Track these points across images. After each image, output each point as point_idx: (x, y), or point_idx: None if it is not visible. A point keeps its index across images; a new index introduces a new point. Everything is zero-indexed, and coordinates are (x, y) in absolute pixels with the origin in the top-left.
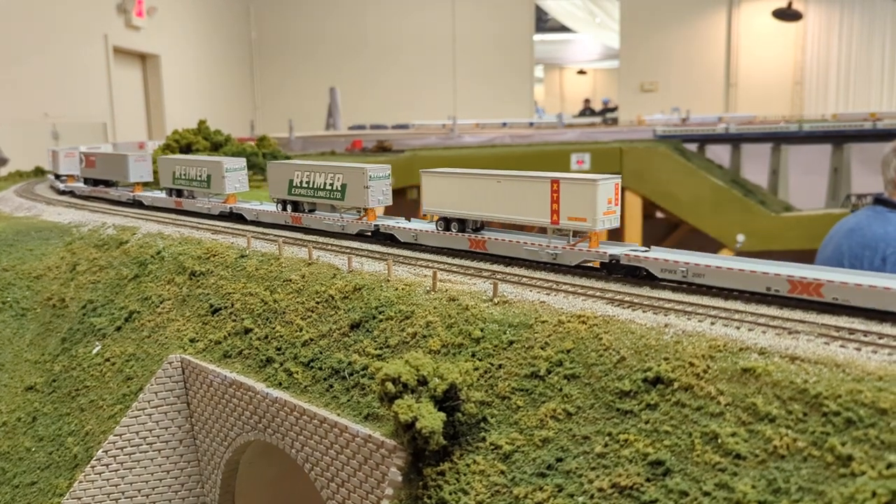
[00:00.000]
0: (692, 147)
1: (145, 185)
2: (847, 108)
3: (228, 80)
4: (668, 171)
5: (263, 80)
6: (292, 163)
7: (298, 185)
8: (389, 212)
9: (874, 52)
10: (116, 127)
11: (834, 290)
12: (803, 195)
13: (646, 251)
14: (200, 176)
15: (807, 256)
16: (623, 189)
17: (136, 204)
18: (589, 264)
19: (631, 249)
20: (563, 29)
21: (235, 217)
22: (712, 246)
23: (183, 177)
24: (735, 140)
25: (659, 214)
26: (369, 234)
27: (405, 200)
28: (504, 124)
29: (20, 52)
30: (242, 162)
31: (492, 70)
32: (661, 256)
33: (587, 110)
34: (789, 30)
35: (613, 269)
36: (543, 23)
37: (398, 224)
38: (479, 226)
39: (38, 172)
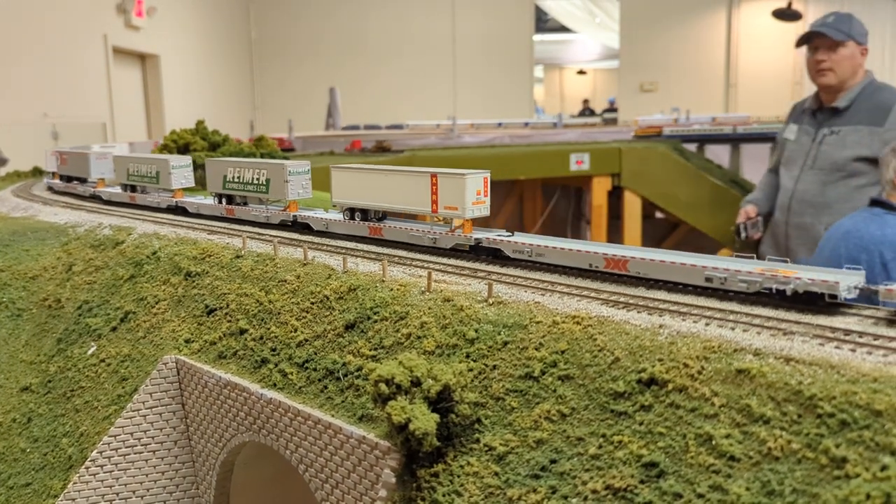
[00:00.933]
0: (691, 147)
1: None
2: None
3: (228, 80)
4: (666, 172)
5: (263, 80)
6: (225, 160)
7: (231, 180)
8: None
9: (874, 52)
10: (116, 127)
11: (637, 266)
12: None
13: (509, 235)
14: (151, 173)
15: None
16: (621, 189)
17: (96, 199)
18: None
19: (496, 234)
20: (563, 29)
21: (180, 210)
22: (712, 246)
23: (136, 174)
24: (700, 140)
25: (659, 215)
26: (290, 223)
27: None
28: (500, 124)
29: (19, 53)
30: (189, 160)
31: (492, 70)
32: (514, 240)
33: (587, 110)
34: (789, 30)
35: (478, 251)
36: (543, 23)
37: (313, 214)
38: (382, 216)
39: (37, 173)
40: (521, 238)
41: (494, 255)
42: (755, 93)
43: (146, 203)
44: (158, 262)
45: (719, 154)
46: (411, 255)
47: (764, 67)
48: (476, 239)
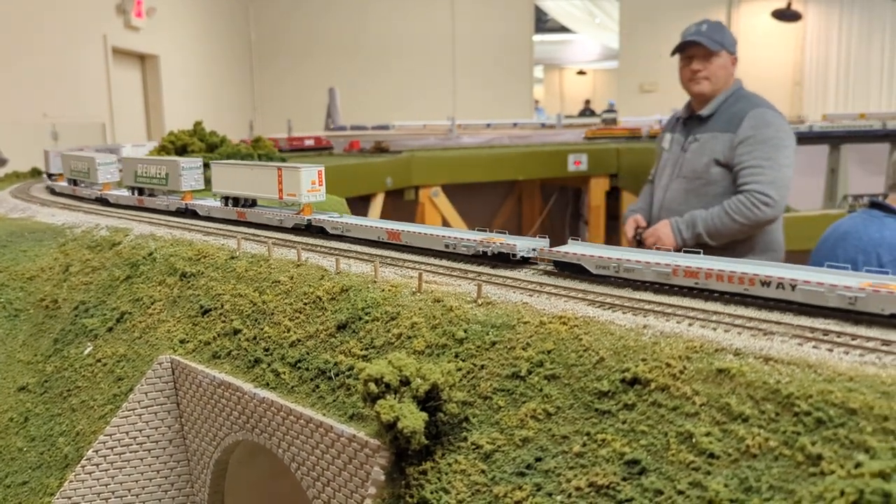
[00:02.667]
0: None
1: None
2: (847, 108)
3: (228, 80)
4: None
5: (263, 80)
6: (137, 158)
7: (140, 175)
8: (393, 211)
9: (874, 53)
10: (116, 127)
11: (406, 237)
12: (800, 196)
13: (338, 217)
14: (84, 169)
15: (804, 257)
16: (619, 190)
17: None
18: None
19: (325, 216)
20: (563, 29)
21: (190, 213)
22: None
23: (144, 176)
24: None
25: None
26: (184, 210)
27: (402, 201)
28: (488, 125)
29: (19, 53)
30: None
31: (491, 71)
32: (334, 220)
33: (587, 111)
34: (789, 30)
35: (311, 229)
36: (543, 23)
37: (199, 202)
38: (252, 203)
39: (35, 173)
40: (337, 218)
41: (321, 232)
42: (755, 93)
43: (155, 206)
44: (154, 262)
45: None
46: (508, 272)
47: (764, 68)
48: (308, 220)
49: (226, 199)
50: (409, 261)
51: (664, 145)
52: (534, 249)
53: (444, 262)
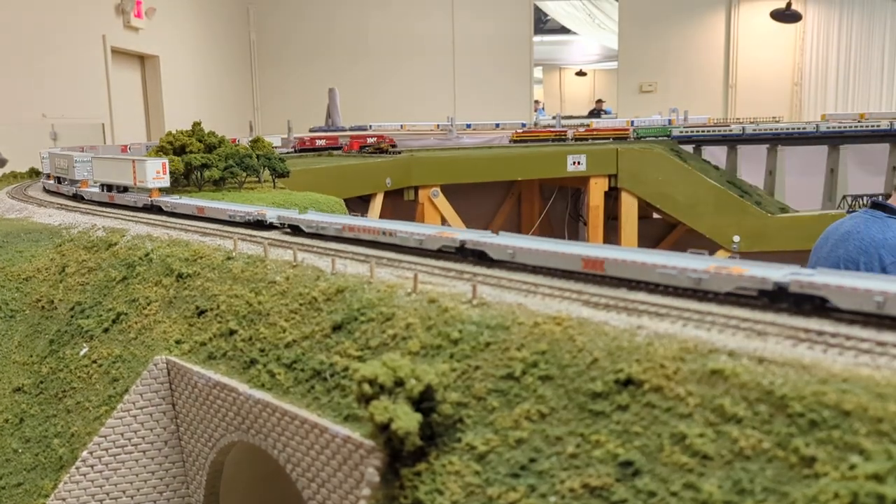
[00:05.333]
0: (688, 148)
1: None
2: (846, 109)
3: (228, 80)
4: (663, 172)
5: (263, 81)
6: (61, 154)
7: (56, 167)
8: (393, 210)
9: (874, 53)
10: (115, 128)
11: (172, 205)
12: (800, 196)
13: (177, 199)
14: (64, 166)
15: (803, 257)
16: (618, 190)
17: (78, 198)
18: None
19: (166, 199)
20: (563, 30)
21: (156, 209)
22: (709, 246)
23: (59, 167)
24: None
25: (656, 215)
26: (82, 197)
27: (403, 201)
28: (468, 126)
29: (18, 53)
30: (162, 161)
31: (491, 72)
32: (169, 200)
33: (598, 111)
34: (788, 31)
35: (151, 209)
36: (542, 24)
37: (90, 190)
38: (124, 189)
39: (33, 174)
40: (175, 199)
41: (159, 211)
42: (754, 94)
43: (124, 202)
44: (151, 263)
45: (717, 155)
46: (505, 272)
47: (763, 68)
48: (153, 201)
49: (102, 185)
50: (406, 261)
51: None
52: (279, 217)
53: (226, 228)
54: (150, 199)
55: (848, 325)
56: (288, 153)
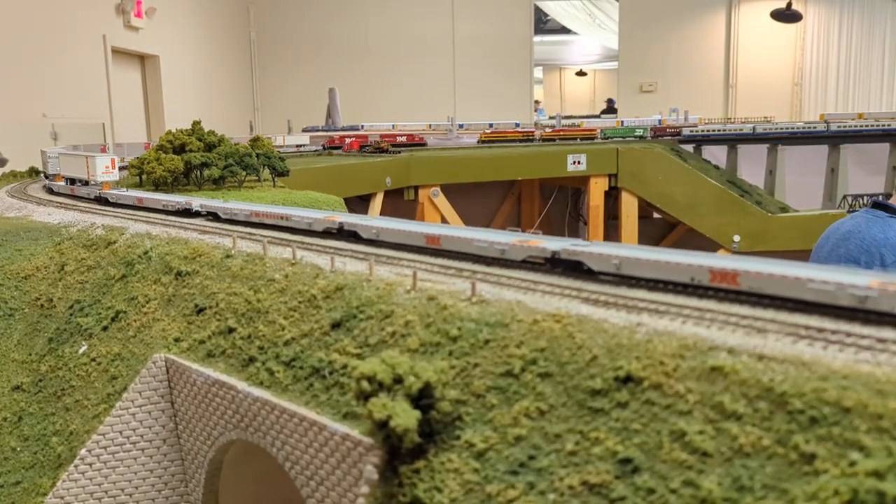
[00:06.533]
0: (688, 147)
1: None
2: (846, 109)
3: (228, 80)
4: (663, 172)
5: (263, 80)
6: (65, 152)
7: (69, 167)
8: (393, 209)
9: (874, 53)
10: (115, 127)
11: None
12: (800, 196)
13: (123, 191)
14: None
15: (803, 257)
16: (618, 190)
17: (49, 190)
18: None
19: (115, 191)
20: (563, 30)
21: (104, 200)
22: (709, 246)
23: (75, 168)
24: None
25: (656, 215)
26: (107, 200)
27: (403, 200)
28: (461, 126)
29: (18, 53)
30: (110, 157)
31: (491, 72)
32: (115, 193)
33: (610, 109)
34: (788, 31)
35: (100, 200)
36: (543, 24)
37: (53, 182)
38: (85, 182)
39: (33, 173)
40: (120, 192)
41: (106, 202)
42: (755, 94)
43: (81, 194)
44: (150, 261)
45: (716, 154)
46: (503, 271)
47: (764, 68)
48: (104, 194)
49: (66, 179)
50: (404, 259)
51: None
52: (202, 205)
53: (161, 217)
54: (99, 191)
55: (848, 321)
56: (316, 151)
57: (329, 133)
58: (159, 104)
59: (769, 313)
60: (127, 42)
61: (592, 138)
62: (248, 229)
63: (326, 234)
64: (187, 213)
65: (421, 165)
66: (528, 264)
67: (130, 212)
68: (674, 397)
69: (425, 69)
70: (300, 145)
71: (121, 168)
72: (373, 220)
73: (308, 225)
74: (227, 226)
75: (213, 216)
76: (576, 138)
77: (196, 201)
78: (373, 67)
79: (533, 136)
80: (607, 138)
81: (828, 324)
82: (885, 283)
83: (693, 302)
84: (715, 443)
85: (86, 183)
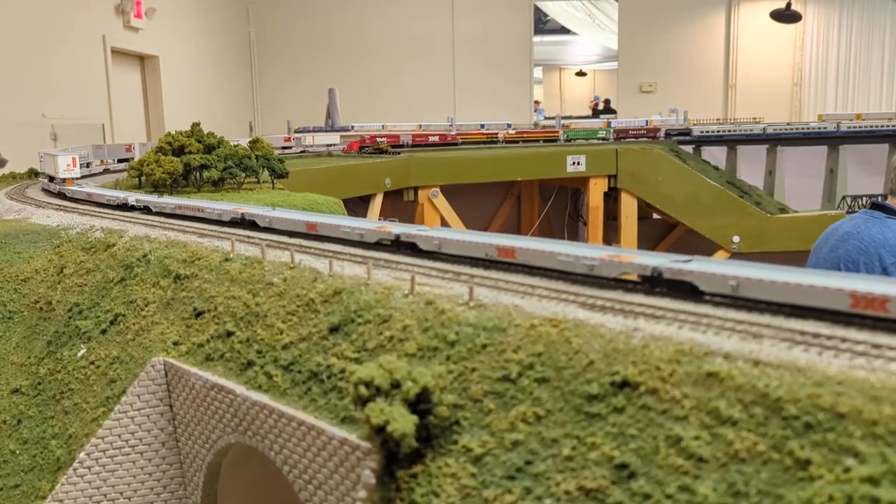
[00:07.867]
0: (688, 148)
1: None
2: (846, 109)
3: (228, 81)
4: (663, 173)
5: (263, 81)
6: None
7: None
8: (393, 210)
9: (873, 54)
10: (115, 128)
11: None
12: (799, 196)
13: (77, 187)
14: (51, 164)
15: (803, 257)
16: (618, 190)
17: (46, 191)
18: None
19: (74, 187)
20: (563, 30)
21: (62, 195)
22: (708, 246)
23: (49, 166)
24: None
25: (655, 216)
26: (149, 209)
27: (402, 201)
28: (451, 125)
29: (18, 54)
30: (72, 157)
31: (491, 72)
32: (76, 189)
33: (607, 109)
34: (788, 31)
35: (63, 195)
36: (542, 24)
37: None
38: (62, 180)
39: (32, 174)
40: (76, 188)
41: (64, 197)
42: (754, 94)
43: (49, 188)
44: (149, 264)
45: (716, 155)
46: (501, 275)
47: (763, 68)
48: (69, 190)
49: (47, 177)
50: (403, 263)
51: None
52: (137, 199)
53: (103, 210)
54: (60, 187)
55: (844, 327)
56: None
57: (356, 134)
58: (159, 104)
59: (765, 318)
60: (126, 42)
61: (555, 140)
62: (175, 221)
63: (233, 223)
64: (125, 207)
65: (420, 166)
66: (619, 282)
67: (83, 206)
68: (670, 402)
69: (425, 69)
70: (330, 145)
71: (83, 165)
72: (432, 231)
73: (218, 215)
74: (158, 218)
75: (146, 209)
76: (538, 140)
77: (132, 196)
78: (373, 68)
79: (496, 137)
80: (569, 140)
81: (823, 329)
82: (609, 255)
83: (690, 307)
84: (710, 448)
85: (51, 179)
